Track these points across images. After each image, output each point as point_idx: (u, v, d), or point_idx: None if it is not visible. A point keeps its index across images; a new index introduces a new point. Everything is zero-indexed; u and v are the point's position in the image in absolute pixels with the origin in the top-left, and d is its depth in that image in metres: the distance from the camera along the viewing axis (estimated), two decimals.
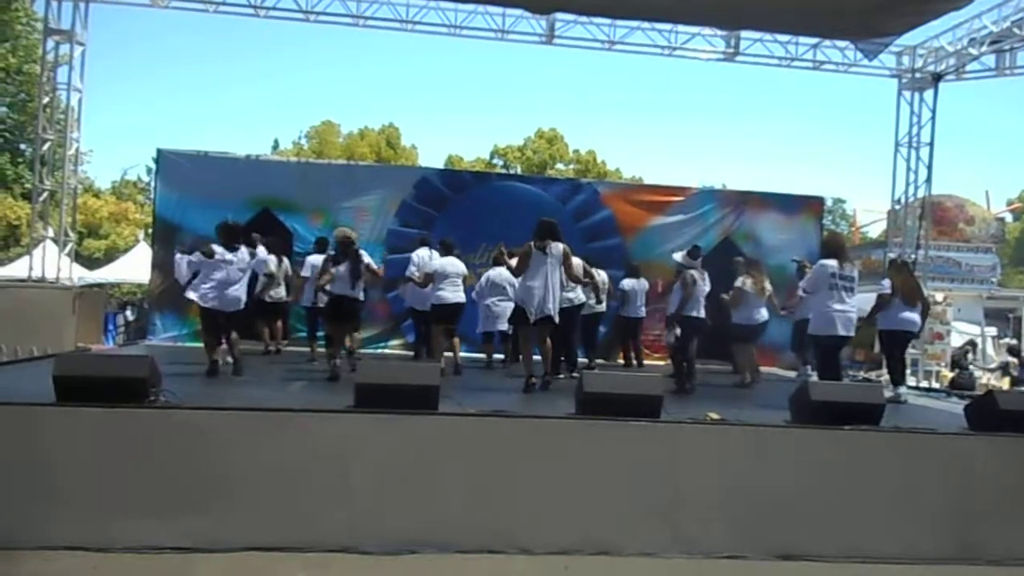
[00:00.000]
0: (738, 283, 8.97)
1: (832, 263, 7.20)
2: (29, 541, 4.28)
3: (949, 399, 9.62)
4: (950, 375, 13.79)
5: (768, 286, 9.01)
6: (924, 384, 12.60)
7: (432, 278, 8.65)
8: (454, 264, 8.77)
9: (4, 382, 6.18)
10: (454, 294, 8.64)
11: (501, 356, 10.03)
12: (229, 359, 7.61)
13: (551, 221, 7.38)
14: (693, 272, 8.06)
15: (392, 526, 4.61)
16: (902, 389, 8.15)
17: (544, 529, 4.73)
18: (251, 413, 4.85)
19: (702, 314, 8.07)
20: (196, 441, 4.62)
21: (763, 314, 9.00)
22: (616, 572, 4.52)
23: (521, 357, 7.67)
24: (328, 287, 7.63)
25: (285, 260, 9.83)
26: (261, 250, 7.92)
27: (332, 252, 7.94)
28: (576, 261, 7.78)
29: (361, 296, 7.87)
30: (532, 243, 7.16)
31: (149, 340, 11.21)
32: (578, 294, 8.75)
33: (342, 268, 7.55)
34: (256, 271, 8.11)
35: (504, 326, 9.48)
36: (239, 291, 7.35)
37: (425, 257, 9.27)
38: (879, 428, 5.39)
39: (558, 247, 7.17)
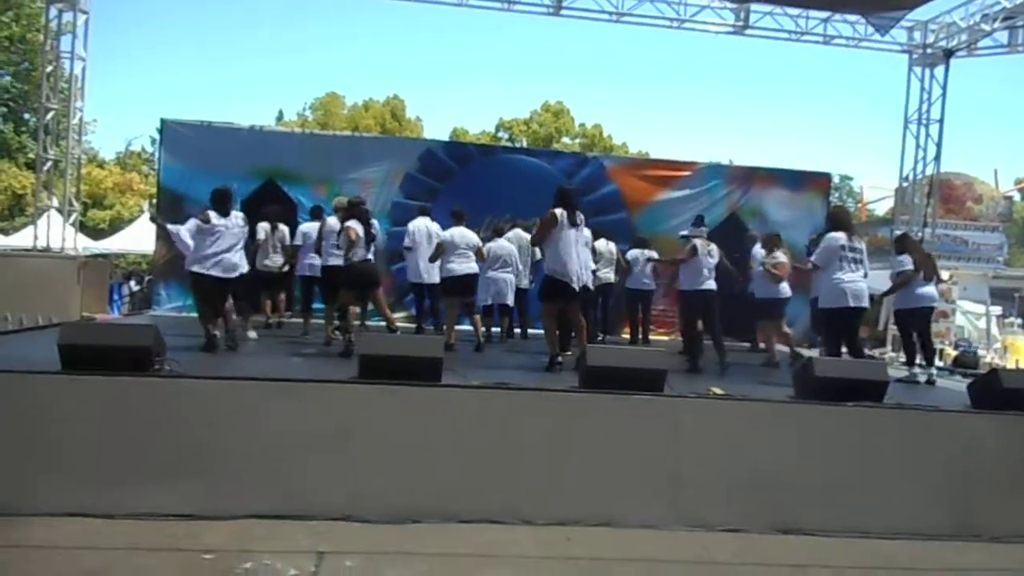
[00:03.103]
0: (768, 259, 8.81)
1: (840, 235, 7.12)
2: (35, 508, 4.31)
3: (953, 377, 9.64)
4: (954, 353, 13.79)
5: (774, 261, 8.82)
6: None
7: (443, 249, 8.54)
8: (463, 235, 8.62)
9: (10, 350, 6.23)
10: (463, 265, 8.50)
11: (497, 330, 9.97)
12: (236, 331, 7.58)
13: (573, 189, 7.25)
14: (696, 241, 7.96)
15: (394, 496, 4.64)
16: (933, 369, 8.11)
17: (546, 500, 4.75)
18: (255, 383, 4.86)
19: (709, 286, 7.89)
20: (200, 410, 4.64)
21: (785, 289, 8.85)
22: (618, 543, 4.55)
23: (545, 332, 7.28)
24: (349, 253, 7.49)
25: (281, 227, 9.63)
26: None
27: (339, 216, 7.87)
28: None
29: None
30: (558, 211, 6.83)
31: (154, 310, 11.25)
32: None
33: (360, 231, 7.41)
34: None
35: (505, 300, 9.44)
36: (236, 257, 7.24)
37: (421, 229, 8.99)
38: (882, 405, 5.38)
39: (581, 217, 6.99)
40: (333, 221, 8.29)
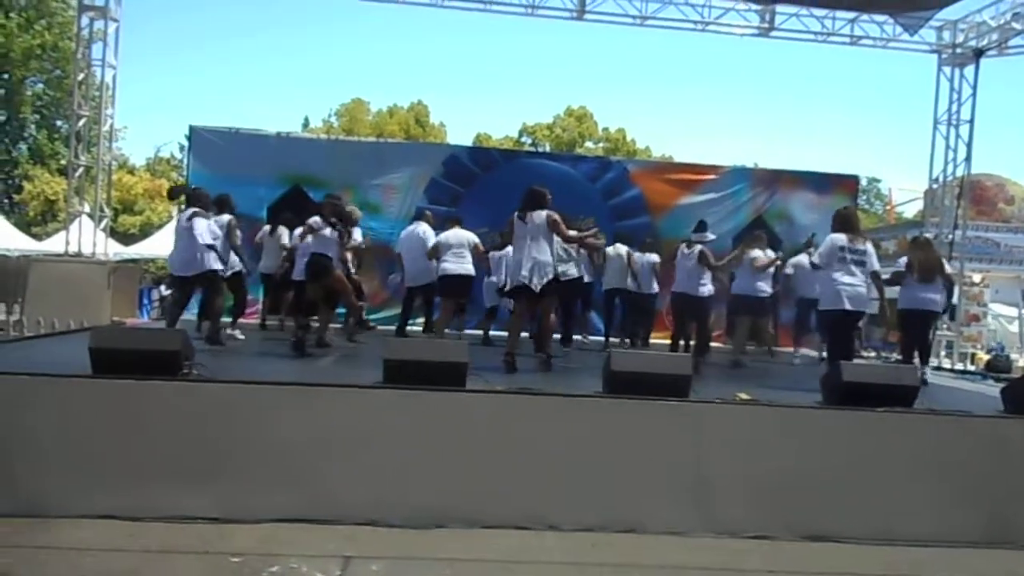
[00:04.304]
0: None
1: (841, 237, 7.01)
2: (65, 510, 4.37)
3: (985, 381, 9.49)
4: (986, 357, 13.58)
5: (751, 256, 8.80)
6: (959, 366, 12.40)
7: (438, 251, 8.58)
8: (457, 235, 8.66)
9: (42, 353, 6.33)
10: (457, 265, 8.53)
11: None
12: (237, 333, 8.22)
13: (536, 190, 7.07)
14: (679, 247, 8.35)
15: (419, 501, 4.64)
16: (926, 370, 8.07)
17: (572, 506, 4.74)
18: (282, 387, 4.91)
19: (691, 291, 8.19)
20: (228, 414, 4.69)
21: (763, 287, 8.85)
22: (643, 550, 4.52)
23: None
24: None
25: (279, 229, 9.59)
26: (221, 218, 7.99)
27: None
28: (573, 233, 7.77)
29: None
30: (515, 214, 7.00)
31: (183, 315, 11.36)
32: (570, 268, 8.50)
33: (326, 229, 7.47)
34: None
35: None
36: (188, 253, 7.33)
37: (416, 231, 9.15)
38: (913, 410, 5.31)
39: (540, 215, 6.89)
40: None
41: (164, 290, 18.38)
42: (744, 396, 5.65)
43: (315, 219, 7.47)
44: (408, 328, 9.63)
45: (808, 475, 4.95)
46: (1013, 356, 14.09)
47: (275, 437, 4.68)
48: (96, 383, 4.68)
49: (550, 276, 6.87)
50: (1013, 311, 17.19)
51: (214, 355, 6.64)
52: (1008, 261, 17.78)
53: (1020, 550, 4.88)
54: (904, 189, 27.05)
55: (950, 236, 12.68)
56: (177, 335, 5.08)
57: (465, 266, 8.59)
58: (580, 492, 4.78)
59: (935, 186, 13.57)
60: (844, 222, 7.24)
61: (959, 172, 13.11)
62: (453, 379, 5.00)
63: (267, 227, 9.62)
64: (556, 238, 7.04)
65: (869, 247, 7.20)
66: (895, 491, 4.99)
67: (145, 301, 16.38)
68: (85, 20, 11.90)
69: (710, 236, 8.46)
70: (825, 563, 4.55)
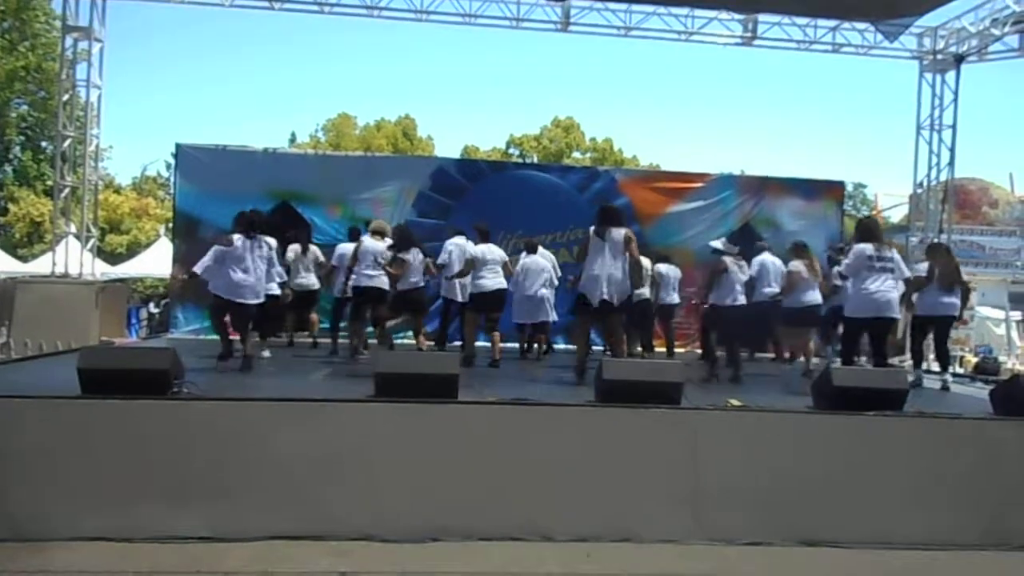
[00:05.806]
0: (791, 267, 8.74)
1: (868, 246, 7.13)
2: (57, 533, 4.34)
3: (974, 384, 9.54)
4: (974, 360, 13.66)
5: (819, 268, 8.83)
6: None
7: (473, 265, 8.58)
8: (492, 250, 8.68)
9: (30, 376, 6.29)
10: (494, 281, 8.55)
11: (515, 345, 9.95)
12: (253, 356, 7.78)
13: (611, 207, 7.35)
14: (727, 259, 8.07)
15: (414, 514, 4.63)
16: (948, 376, 8.15)
17: (566, 516, 4.73)
18: (272, 404, 4.89)
19: (738, 301, 8.01)
20: (219, 432, 4.66)
21: (815, 296, 8.73)
22: (638, 558, 4.52)
23: (576, 345, 7.58)
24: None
25: (313, 248, 9.76)
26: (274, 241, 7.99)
27: (392, 243, 8.27)
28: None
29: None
30: (592, 229, 7.15)
31: (172, 333, 11.32)
32: (644, 290, 8.64)
33: (415, 258, 7.98)
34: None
35: (546, 317, 9.37)
36: (250, 280, 7.16)
37: (462, 245, 9.11)
38: (903, 413, 5.33)
39: (619, 232, 7.04)
40: (368, 241, 8.43)
41: (152, 309, 18.28)
42: (735, 402, 5.66)
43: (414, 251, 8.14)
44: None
45: (801, 480, 4.96)
46: (1001, 358, 14.19)
47: (266, 453, 4.66)
48: (85, 404, 4.66)
49: (627, 293, 7.10)
50: (1000, 314, 17.33)
51: (205, 373, 6.60)
52: (994, 264, 17.94)
53: (1014, 551, 4.90)
54: (890, 194, 27.22)
55: (936, 240, 12.77)
56: (166, 354, 5.05)
57: (501, 280, 8.66)
58: (574, 502, 4.78)
59: (920, 191, 13.68)
60: (867, 232, 7.36)
61: (943, 177, 13.22)
62: (445, 391, 5.00)
63: (296, 245, 9.58)
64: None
65: (895, 254, 7.30)
66: (888, 494, 5.00)
67: (134, 320, 16.24)
68: (69, 41, 11.86)
69: (736, 248, 8.50)
70: (820, 568, 4.56)
